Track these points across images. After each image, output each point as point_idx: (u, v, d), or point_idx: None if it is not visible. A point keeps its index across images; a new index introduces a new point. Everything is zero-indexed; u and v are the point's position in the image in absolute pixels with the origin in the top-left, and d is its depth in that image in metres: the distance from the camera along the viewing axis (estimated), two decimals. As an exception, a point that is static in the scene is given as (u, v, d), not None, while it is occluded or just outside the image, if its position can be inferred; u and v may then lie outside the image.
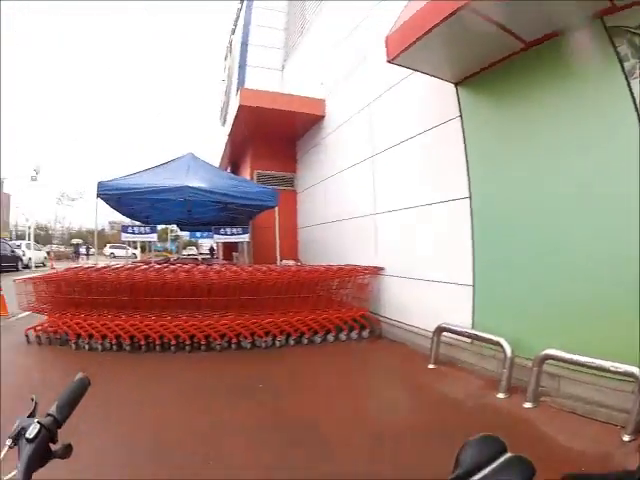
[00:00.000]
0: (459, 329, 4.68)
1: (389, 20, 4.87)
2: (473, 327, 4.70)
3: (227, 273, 5.94)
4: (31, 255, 22.23)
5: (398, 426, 3.24)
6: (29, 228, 33.71)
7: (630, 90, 3.23)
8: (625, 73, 3.26)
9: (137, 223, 10.63)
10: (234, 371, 4.71)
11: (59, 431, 0.85)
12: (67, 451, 0.83)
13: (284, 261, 8.54)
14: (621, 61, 3.29)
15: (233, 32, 22.30)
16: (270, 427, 3.22)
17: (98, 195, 7.71)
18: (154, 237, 8.50)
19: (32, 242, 24.90)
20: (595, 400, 3.33)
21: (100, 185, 7.64)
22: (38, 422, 0.79)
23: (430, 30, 3.94)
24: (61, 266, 21.22)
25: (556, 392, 3.67)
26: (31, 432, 0.78)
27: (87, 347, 5.32)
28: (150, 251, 17.46)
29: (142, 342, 5.32)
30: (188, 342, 5.38)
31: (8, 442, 0.79)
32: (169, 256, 13.51)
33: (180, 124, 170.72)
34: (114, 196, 7.99)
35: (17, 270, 19.20)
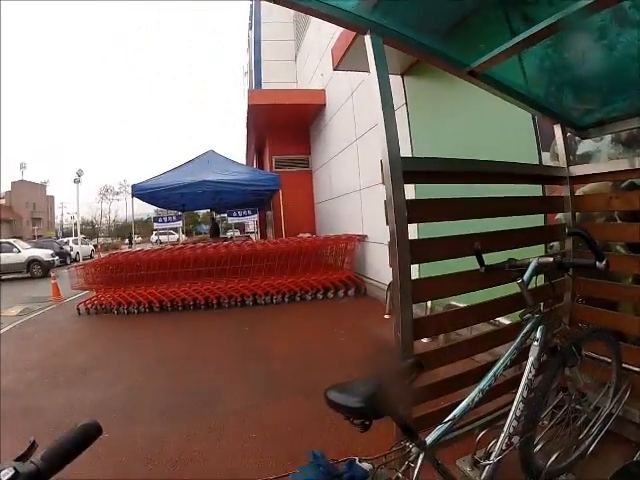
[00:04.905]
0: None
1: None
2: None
3: (244, 247, 7.46)
4: (78, 250, 24.26)
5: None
6: (75, 225, 35.85)
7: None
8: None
9: (172, 212, 12.50)
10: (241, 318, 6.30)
11: None
12: None
13: (300, 234, 9.20)
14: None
15: (250, 27, 23.38)
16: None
17: (133, 195, 9.61)
18: (180, 224, 10.57)
19: (79, 237, 26.61)
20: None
21: (134, 187, 9.50)
22: (14, 468, 0.63)
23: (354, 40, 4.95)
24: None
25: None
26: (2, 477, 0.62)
27: (126, 312, 6.91)
28: (197, 234, 18.96)
29: (179, 303, 6.94)
30: (214, 301, 6.95)
31: None
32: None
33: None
34: (146, 194, 9.76)
35: (66, 264, 20.42)
